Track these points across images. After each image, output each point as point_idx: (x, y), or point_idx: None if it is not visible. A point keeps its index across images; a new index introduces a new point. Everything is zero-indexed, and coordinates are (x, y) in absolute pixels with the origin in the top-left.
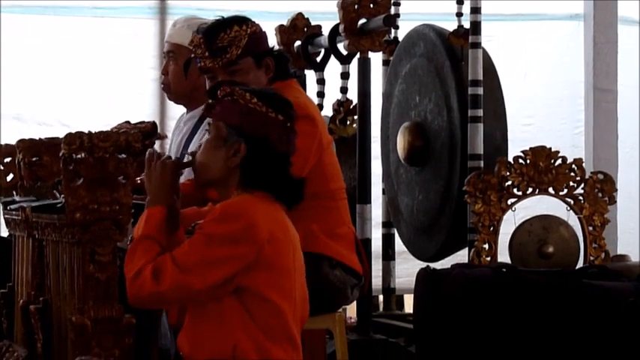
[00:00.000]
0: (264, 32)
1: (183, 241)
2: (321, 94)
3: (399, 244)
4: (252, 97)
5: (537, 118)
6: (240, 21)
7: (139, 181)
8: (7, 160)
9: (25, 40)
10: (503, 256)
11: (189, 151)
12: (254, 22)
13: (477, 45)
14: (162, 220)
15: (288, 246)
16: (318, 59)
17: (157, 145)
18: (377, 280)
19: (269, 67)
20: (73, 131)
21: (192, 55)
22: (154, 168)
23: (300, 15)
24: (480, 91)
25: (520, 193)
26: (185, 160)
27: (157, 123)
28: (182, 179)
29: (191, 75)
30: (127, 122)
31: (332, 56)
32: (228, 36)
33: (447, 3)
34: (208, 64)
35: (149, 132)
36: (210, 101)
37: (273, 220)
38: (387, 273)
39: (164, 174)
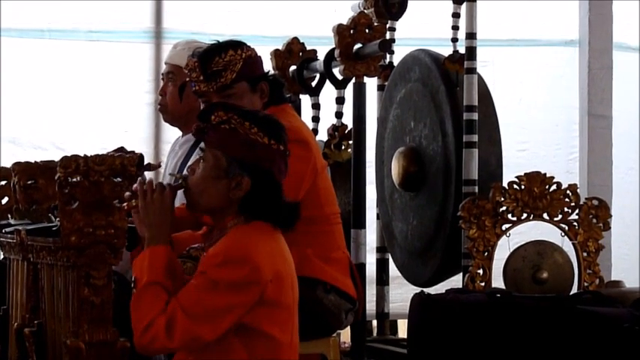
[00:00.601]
0: (259, 57)
1: (178, 266)
2: (316, 119)
3: (393, 269)
4: (252, 127)
5: (532, 143)
6: (236, 45)
7: (125, 208)
8: (3, 183)
9: (20, 63)
10: (498, 282)
11: (181, 174)
12: (249, 47)
13: (472, 70)
14: (167, 261)
15: (289, 280)
16: (314, 84)
17: (150, 174)
18: (371, 305)
19: (264, 92)
20: (69, 155)
21: (187, 79)
22: (151, 200)
23: (295, 39)
24: (475, 116)
25: (515, 218)
26: (170, 180)
27: (152, 148)
28: (176, 203)
29: (186, 98)
30: (122, 148)
31: (327, 81)
32: (223, 60)
33: (443, 28)
34: (203, 87)
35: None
36: (201, 124)
37: (275, 256)
38: (381, 298)
39: (164, 207)
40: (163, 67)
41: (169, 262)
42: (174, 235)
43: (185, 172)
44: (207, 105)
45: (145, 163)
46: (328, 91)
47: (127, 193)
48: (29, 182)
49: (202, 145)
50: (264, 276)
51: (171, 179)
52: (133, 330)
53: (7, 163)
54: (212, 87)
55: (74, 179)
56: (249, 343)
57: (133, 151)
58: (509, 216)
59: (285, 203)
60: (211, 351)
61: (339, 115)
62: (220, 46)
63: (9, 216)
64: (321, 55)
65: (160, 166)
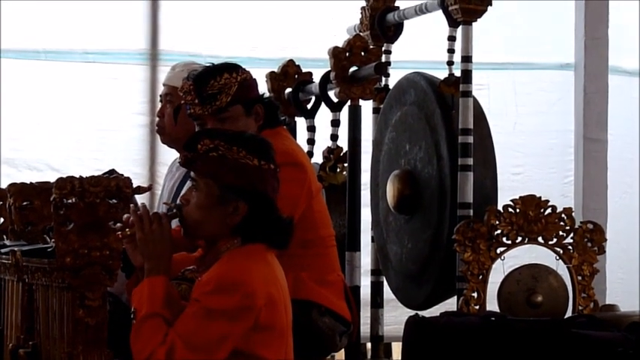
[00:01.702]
0: (255, 80)
1: (175, 296)
2: (311, 141)
3: (387, 292)
4: (240, 151)
5: (527, 167)
6: (231, 68)
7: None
8: None
9: (16, 84)
10: (492, 305)
11: (175, 203)
12: (244, 70)
13: (467, 93)
14: (166, 292)
15: (282, 304)
16: (309, 106)
17: (142, 199)
18: (365, 328)
19: (259, 115)
20: (64, 176)
21: (182, 102)
22: (150, 232)
23: (290, 62)
24: (471, 139)
25: (509, 241)
26: (163, 209)
27: (147, 169)
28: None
29: (182, 120)
30: (113, 170)
31: (323, 103)
32: (219, 83)
33: (438, 51)
34: (198, 110)
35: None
36: (188, 154)
37: (268, 281)
38: (376, 320)
39: (163, 238)
40: (161, 89)
41: (168, 292)
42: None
43: (178, 201)
44: (192, 134)
45: (135, 186)
46: (324, 114)
47: (119, 225)
48: (25, 203)
49: (192, 174)
50: (258, 301)
51: (166, 208)
52: None
53: (3, 184)
54: (207, 110)
55: (69, 200)
56: None
57: (121, 175)
58: (504, 239)
59: (280, 222)
60: None
61: (334, 137)
62: (215, 69)
63: (4, 237)
64: (317, 78)
65: (150, 188)
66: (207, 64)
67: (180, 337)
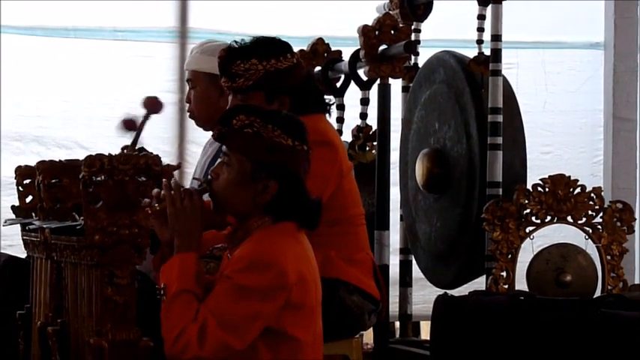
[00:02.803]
0: (295, 68)
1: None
2: (340, 120)
3: (416, 271)
4: (275, 129)
5: (556, 146)
6: (268, 54)
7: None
8: (27, 181)
9: (46, 62)
10: (521, 284)
11: (205, 178)
12: (286, 57)
13: (497, 72)
14: (197, 268)
15: (313, 282)
16: (338, 85)
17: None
18: (394, 307)
19: (283, 105)
20: (93, 154)
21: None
22: (181, 207)
23: (320, 40)
24: (500, 118)
25: (538, 221)
26: (194, 185)
27: (176, 147)
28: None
29: (211, 98)
30: (142, 148)
31: (352, 82)
32: (243, 66)
33: (468, 30)
34: (222, 81)
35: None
36: (222, 129)
37: (300, 259)
38: (404, 299)
39: (195, 214)
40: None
41: (198, 267)
42: None
43: (209, 176)
44: (228, 109)
45: (165, 164)
46: (353, 92)
47: (147, 200)
48: (53, 181)
49: (224, 149)
50: (290, 280)
51: (197, 184)
52: (164, 339)
53: (32, 162)
54: (227, 84)
55: (98, 178)
56: (274, 345)
57: (150, 153)
58: (533, 218)
59: (310, 202)
60: (236, 356)
61: (363, 116)
62: (250, 49)
63: (33, 215)
64: (346, 56)
65: (180, 166)
66: (256, 37)
67: (212, 315)
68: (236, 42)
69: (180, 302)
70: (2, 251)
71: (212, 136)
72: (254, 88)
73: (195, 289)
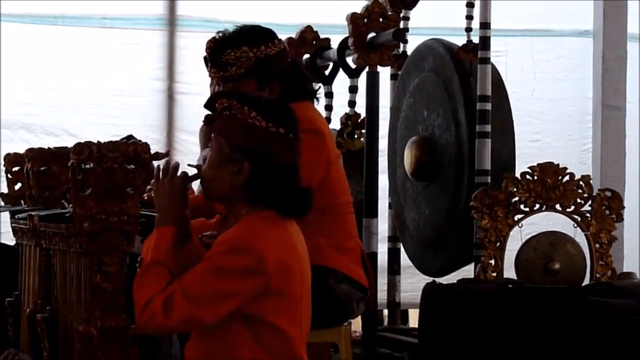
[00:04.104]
0: (282, 54)
1: (198, 249)
2: (329, 108)
3: (404, 259)
4: (251, 111)
5: (545, 134)
6: (254, 42)
7: (145, 198)
8: (16, 169)
9: (34, 50)
10: (510, 272)
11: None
12: (274, 44)
13: (485, 60)
14: (172, 242)
15: (297, 270)
16: (327, 72)
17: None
18: (382, 295)
19: (274, 91)
20: (82, 141)
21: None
22: (162, 184)
23: (309, 28)
24: (489, 106)
25: (527, 209)
26: (190, 173)
27: (164, 135)
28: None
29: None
30: (131, 136)
31: (340, 70)
32: (234, 55)
33: (457, 18)
34: (211, 72)
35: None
36: (208, 113)
37: (282, 247)
38: (393, 287)
39: (173, 190)
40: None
41: (173, 242)
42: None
43: (201, 162)
44: (212, 94)
45: (153, 151)
46: (341, 80)
47: (149, 187)
48: (42, 168)
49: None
50: (269, 266)
51: (192, 171)
52: (134, 308)
53: (21, 150)
54: (217, 74)
55: (87, 166)
56: (257, 333)
57: (139, 140)
58: (522, 206)
59: (296, 190)
60: (220, 340)
61: (352, 104)
62: (238, 38)
63: (22, 202)
64: (335, 44)
65: (168, 154)
66: (240, 26)
67: (182, 288)
68: (221, 32)
69: (151, 273)
70: None
71: (202, 120)
72: (245, 76)
73: (168, 262)
